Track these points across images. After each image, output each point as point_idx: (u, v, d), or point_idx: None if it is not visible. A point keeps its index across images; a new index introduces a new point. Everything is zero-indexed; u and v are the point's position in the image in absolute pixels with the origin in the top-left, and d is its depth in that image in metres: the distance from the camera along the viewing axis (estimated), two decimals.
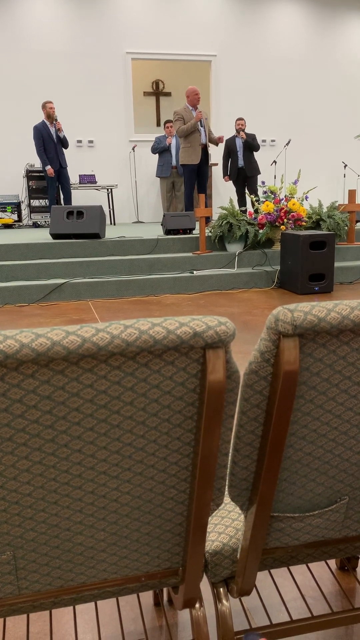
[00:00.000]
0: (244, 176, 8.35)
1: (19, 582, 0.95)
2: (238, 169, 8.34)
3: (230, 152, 8.39)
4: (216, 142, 7.21)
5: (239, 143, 8.27)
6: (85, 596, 1.03)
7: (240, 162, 8.30)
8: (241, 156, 8.28)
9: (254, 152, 8.34)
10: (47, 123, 7.62)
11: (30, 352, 0.71)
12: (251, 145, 8.21)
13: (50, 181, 7.84)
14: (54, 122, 7.66)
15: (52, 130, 7.66)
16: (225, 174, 8.54)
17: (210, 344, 0.78)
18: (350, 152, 10.92)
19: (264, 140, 10.36)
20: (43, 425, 0.79)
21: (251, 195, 6.82)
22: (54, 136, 7.68)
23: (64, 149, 7.88)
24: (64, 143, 7.83)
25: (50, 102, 7.60)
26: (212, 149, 9.05)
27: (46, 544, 0.91)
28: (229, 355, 0.81)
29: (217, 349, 0.79)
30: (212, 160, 7.61)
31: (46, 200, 9.01)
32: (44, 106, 7.59)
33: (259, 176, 8.48)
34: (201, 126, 7.00)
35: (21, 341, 0.71)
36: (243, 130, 8.21)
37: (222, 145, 8.60)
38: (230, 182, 8.72)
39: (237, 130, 8.27)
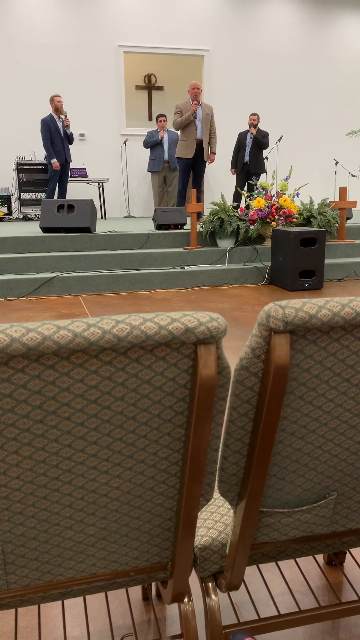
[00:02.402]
0: (247, 172, 8.37)
1: (8, 577, 0.94)
2: (243, 164, 8.39)
3: (240, 145, 8.43)
4: (210, 155, 7.29)
5: (248, 138, 8.30)
6: (74, 591, 1.03)
7: (246, 158, 8.34)
8: (248, 151, 8.32)
9: (263, 151, 8.38)
10: (55, 116, 7.64)
11: (21, 347, 0.71)
12: (260, 142, 8.23)
13: (53, 175, 7.85)
14: (63, 118, 7.67)
15: (60, 124, 7.69)
16: (232, 166, 8.59)
17: (202, 339, 0.78)
18: (341, 150, 10.94)
19: None
20: (33, 420, 0.78)
21: (242, 191, 6.82)
22: (61, 130, 7.71)
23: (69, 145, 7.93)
24: (69, 139, 7.86)
25: (59, 96, 7.62)
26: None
27: (35, 539, 0.91)
28: (220, 351, 0.81)
29: (208, 345, 0.79)
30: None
31: (36, 193, 8.97)
32: (52, 100, 7.62)
33: (263, 175, 8.49)
34: (195, 118, 7.02)
35: (11, 335, 0.70)
36: (255, 127, 8.21)
37: (233, 138, 8.66)
38: (226, 177, 8.74)
39: (249, 125, 8.28)
